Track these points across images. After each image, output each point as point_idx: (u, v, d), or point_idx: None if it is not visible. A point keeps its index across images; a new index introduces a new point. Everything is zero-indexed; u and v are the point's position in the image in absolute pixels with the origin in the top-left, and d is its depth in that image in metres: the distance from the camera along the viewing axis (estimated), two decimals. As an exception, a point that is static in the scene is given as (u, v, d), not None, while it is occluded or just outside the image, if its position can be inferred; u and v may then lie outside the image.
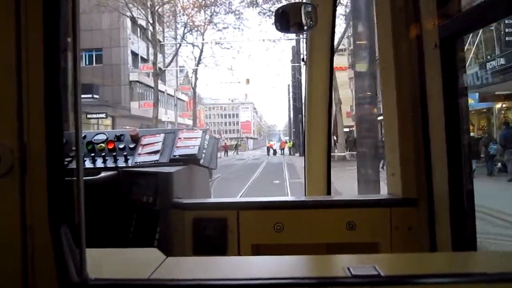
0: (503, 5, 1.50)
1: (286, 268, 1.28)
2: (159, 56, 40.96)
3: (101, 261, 1.24)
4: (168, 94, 46.57)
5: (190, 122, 48.46)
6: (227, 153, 52.67)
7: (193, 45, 41.97)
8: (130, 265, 1.29)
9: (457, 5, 1.81)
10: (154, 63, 36.37)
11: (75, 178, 1.11)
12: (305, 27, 2.29)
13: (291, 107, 57.60)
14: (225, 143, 62.10)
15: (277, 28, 2.24)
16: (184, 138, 2.57)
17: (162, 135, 2.61)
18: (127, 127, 37.46)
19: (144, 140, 2.59)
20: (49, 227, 1.09)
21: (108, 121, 36.81)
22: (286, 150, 51.50)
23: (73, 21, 1.08)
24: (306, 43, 2.68)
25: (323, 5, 2.46)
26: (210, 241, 2.10)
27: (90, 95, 31.98)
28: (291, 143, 49.77)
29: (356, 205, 2.18)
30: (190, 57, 69.37)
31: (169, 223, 2.21)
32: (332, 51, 2.62)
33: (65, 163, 1.24)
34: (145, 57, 41.85)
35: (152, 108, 35.08)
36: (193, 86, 44.88)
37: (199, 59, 41.87)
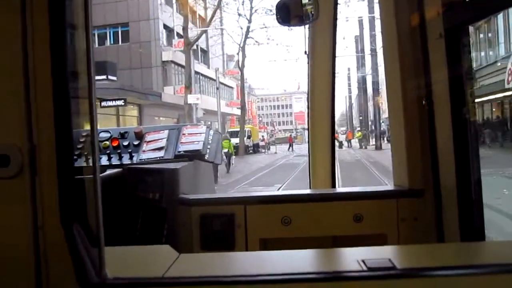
0: None
1: (299, 262, 1.53)
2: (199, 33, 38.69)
3: (115, 259, 1.43)
4: (197, 72, 42.05)
5: (238, 112, 47.03)
6: (292, 147, 51.89)
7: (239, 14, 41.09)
8: (144, 263, 1.54)
9: (461, -7, 2.21)
10: (184, 28, 33.23)
11: (91, 176, 1.31)
12: (306, 20, 2.78)
13: (358, 90, 57.39)
14: (290, 135, 62.03)
15: (278, 21, 2.73)
16: (188, 134, 3.10)
17: (166, 131, 3.14)
18: (162, 118, 35.49)
19: (148, 137, 3.13)
20: (61, 227, 1.29)
21: (134, 111, 35.21)
22: (354, 143, 51.50)
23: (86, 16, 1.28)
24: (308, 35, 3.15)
25: None
26: (218, 237, 2.55)
27: (103, 76, 29.07)
28: (360, 133, 49.06)
29: (362, 197, 2.63)
30: (237, 32, 68.62)
31: (176, 219, 2.66)
32: (334, 43, 3.08)
33: (75, 161, 1.45)
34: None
35: (188, 93, 32.63)
36: (240, 66, 43.49)
37: (248, 30, 40.23)
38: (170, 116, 37.54)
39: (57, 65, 1.30)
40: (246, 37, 40.81)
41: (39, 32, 1.29)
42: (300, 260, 1.55)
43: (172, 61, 40.25)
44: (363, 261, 1.34)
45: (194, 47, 38.22)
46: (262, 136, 53.91)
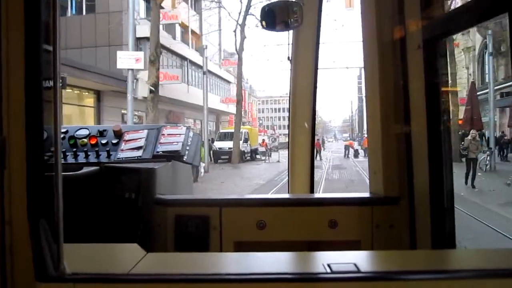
0: (484, 7, 2.26)
1: (268, 264, 1.80)
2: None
3: (82, 256, 1.68)
4: (184, 58, 39.92)
5: (233, 110, 45.05)
6: (319, 155, 48.86)
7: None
8: (110, 260, 1.79)
9: (440, 7, 2.74)
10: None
11: (61, 172, 1.47)
12: (291, 25, 3.37)
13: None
14: (318, 140, 60.35)
15: (263, 26, 3.33)
16: (167, 134, 3.63)
17: (146, 131, 3.67)
18: (135, 113, 31.41)
19: (127, 136, 3.63)
20: (28, 222, 1.48)
21: (90, 98, 32.55)
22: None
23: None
24: (292, 41, 3.75)
25: (309, 3, 3.53)
26: (192, 238, 3.02)
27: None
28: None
29: (338, 203, 3.14)
30: (236, 8, 65.72)
31: (151, 219, 3.15)
32: (317, 49, 3.68)
33: (46, 158, 1.60)
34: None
35: (155, 70, 25.79)
36: (237, 50, 42.23)
37: (249, 2, 38.87)
38: (143, 109, 31.50)
39: (30, 63, 1.50)
40: (247, 12, 39.27)
41: (13, 15, 1.50)
42: (268, 262, 1.85)
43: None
44: (328, 265, 1.63)
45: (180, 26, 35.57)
46: (263, 140, 53.12)
